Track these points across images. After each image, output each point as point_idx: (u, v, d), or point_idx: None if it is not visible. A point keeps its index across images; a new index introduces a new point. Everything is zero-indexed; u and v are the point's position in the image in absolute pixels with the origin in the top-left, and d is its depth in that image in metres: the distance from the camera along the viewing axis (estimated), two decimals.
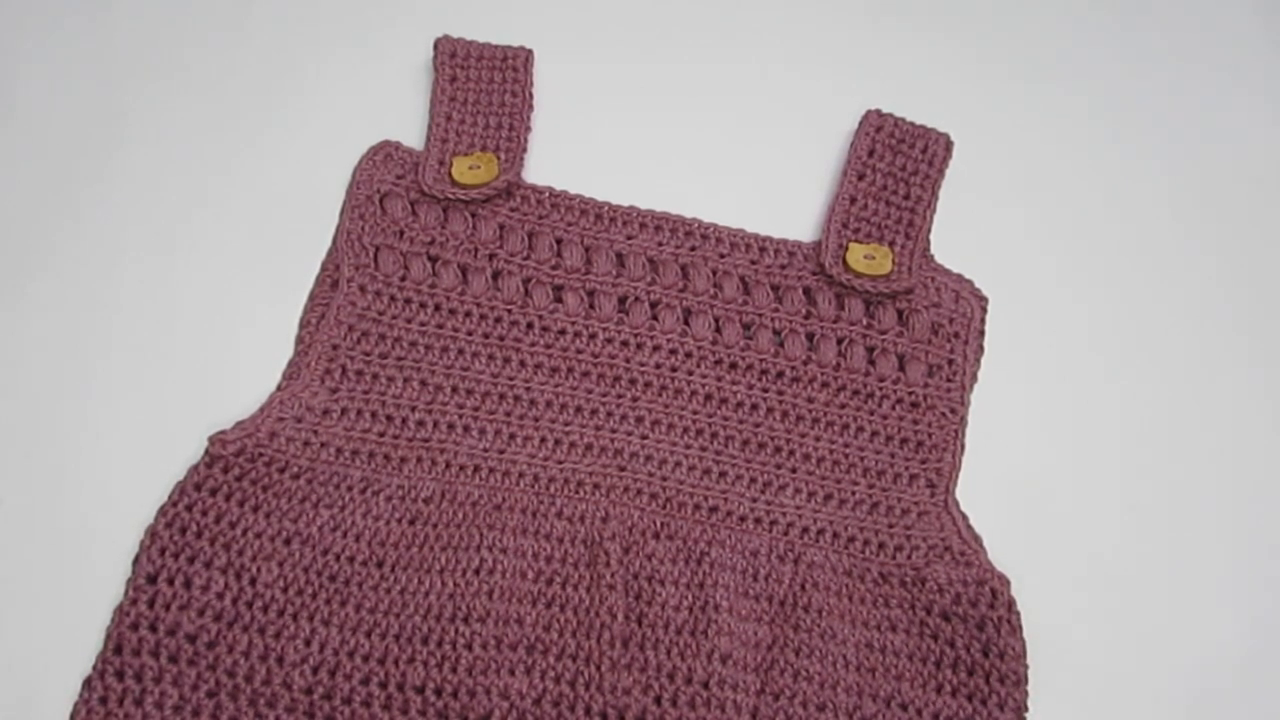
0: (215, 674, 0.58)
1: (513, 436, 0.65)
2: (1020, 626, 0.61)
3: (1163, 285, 0.74)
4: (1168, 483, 0.68)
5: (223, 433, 0.62)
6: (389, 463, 0.63)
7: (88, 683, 0.57)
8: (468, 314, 0.67)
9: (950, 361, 0.68)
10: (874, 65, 0.79)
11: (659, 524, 0.63)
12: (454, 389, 0.65)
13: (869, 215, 0.71)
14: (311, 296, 0.68)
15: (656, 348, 0.67)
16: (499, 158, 0.70)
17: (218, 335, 0.67)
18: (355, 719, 0.57)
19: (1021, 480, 0.67)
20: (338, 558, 0.60)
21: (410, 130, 0.73)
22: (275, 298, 0.68)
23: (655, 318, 0.68)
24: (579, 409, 0.65)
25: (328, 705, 0.57)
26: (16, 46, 0.75)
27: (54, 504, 0.62)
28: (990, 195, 0.75)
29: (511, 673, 0.58)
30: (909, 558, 0.64)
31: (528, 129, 0.72)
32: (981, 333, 0.69)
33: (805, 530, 0.64)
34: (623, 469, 0.64)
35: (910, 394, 0.67)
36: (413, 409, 0.65)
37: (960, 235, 0.72)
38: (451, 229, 0.69)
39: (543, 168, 0.73)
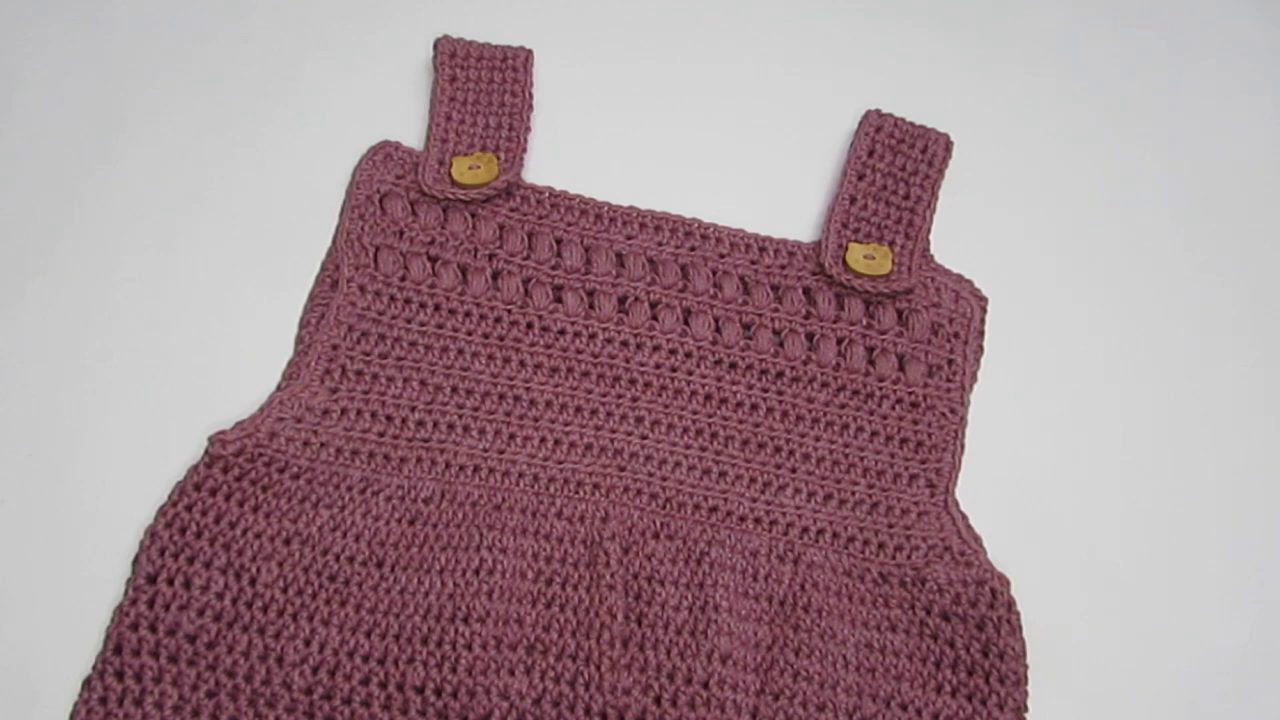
0: (215, 674, 0.58)
1: (513, 436, 0.65)
2: (1020, 626, 0.61)
3: (1162, 285, 0.74)
4: (1168, 483, 0.68)
5: (223, 433, 0.62)
6: (389, 463, 0.63)
7: (88, 683, 0.57)
8: (467, 314, 0.67)
9: (950, 361, 0.68)
10: (874, 65, 0.79)
11: (659, 524, 0.63)
12: (454, 389, 0.65)
13: (869, 215, 0.71)
14: (311, 296, 0.68)
15: (656, 348, 0.67)
16: (499, 158, 0.70)
17: (217, 335, 0.67)
18: (355, 719, 0.57)
19: (1021, 480, 0.67)
20: (337, 558, 0.60)
21: (410, 130, 0.73)
22: (275, 298, 0.68)
23: (655, 318, 0.68)
24: (579, 409, 0.65)
25: (327, 705, 0.57)
26: (16, 46, 0.75)
27: (54, 504, 0.62)
28: (990, 195, 0.75)
29: (511, 673, 0.58)
30: (909, 558, 0.64)
31: (528, 129, 0.72)
32: (981, 333, 0.69)
33: (805, 530, 0.64)
34: (623, 469, 0.64)
35: (910, 394, 0.67)
36: (412, 409, 0.65)
37: (960, 235, 0.72)
38: (451, 229, 0.69)
39: (543, 168, 0.73)
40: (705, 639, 0.59)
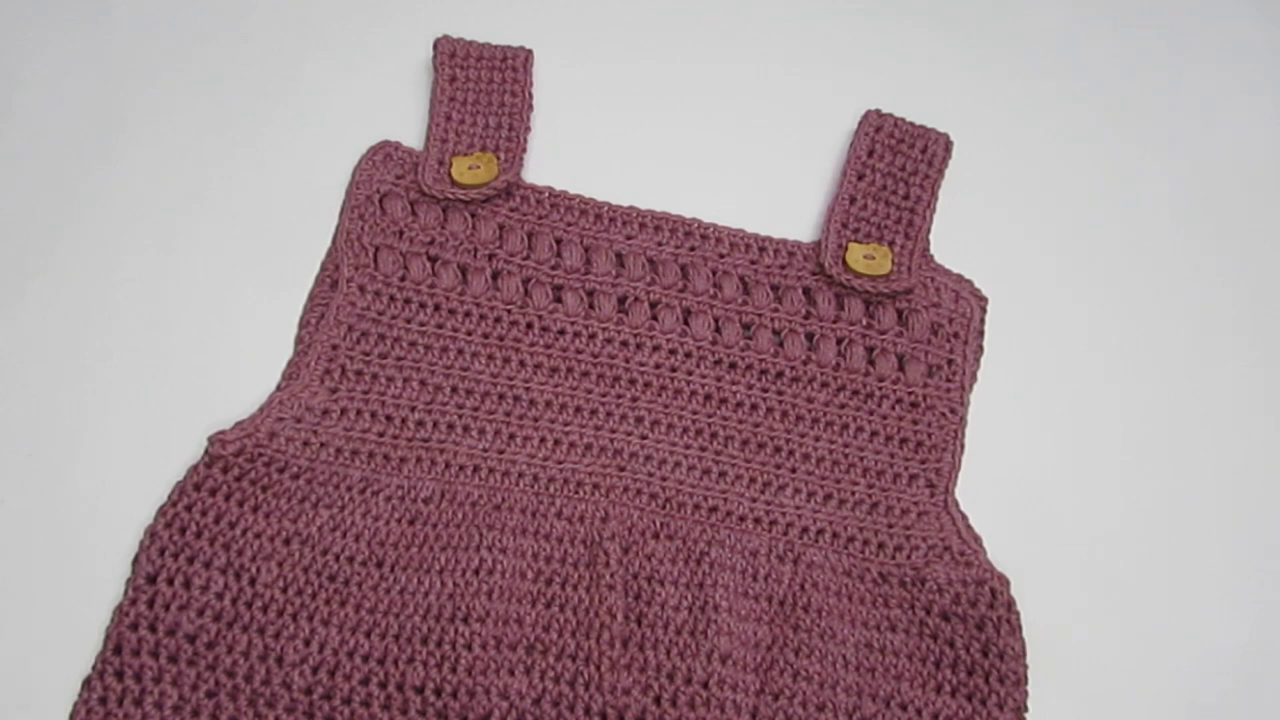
0: (215, 674, 0.58)
1: (512, 436, 0.65)
2: (1020, 626, 0.61)
3: (1162, 285, 0.74)
4: (1168, 483, 0.68)
5: (223, 433, 0.62)
6: (389, 463, 0.63)
7: (87, 683, 0.57)
8: (467, 314, 0.67)
9: (950, 361, 0.68)
10: (874, 65, 0.79)
11: (659, 524, 0.63)
12: (454, 389, 0.65)
13: (869, 215, 0.71)
14: (311, 297, 0.68)
15: (656, 348, 0.67)
16: (499, 158, 0.70)
17: (217, 335, 0.67)
18: (355, 719, 0.57)
19: (1021, 480, 0.67)
20: (337, 558, 0.60)
21: (410, 130, 0.73)
22: (275, 298, 0.68)
23: (655, 318, 0.68)
24: (579, 409, 0.65)
25: (327, 705, 0.57)
26: (16, 46, 0.75)
27: (54, 504, 0.62)
28: (990, 195, 0.75)
29: (511, 673, 0.58)
30: (909, 558, 0.64)
31: (527, 129, 0.72)
32: (981, 333, 0.69)
33: (805, 530, 0.64)
34: (622, 469, 0.64)
35: (910, 394, 0.67)
36: (412, 409, 0.65)
37: (960, 235, 0.72)
38: (451, 229, 0.69)
39: (543, 168, 0.73)
40: (705, 639, 0.59)
